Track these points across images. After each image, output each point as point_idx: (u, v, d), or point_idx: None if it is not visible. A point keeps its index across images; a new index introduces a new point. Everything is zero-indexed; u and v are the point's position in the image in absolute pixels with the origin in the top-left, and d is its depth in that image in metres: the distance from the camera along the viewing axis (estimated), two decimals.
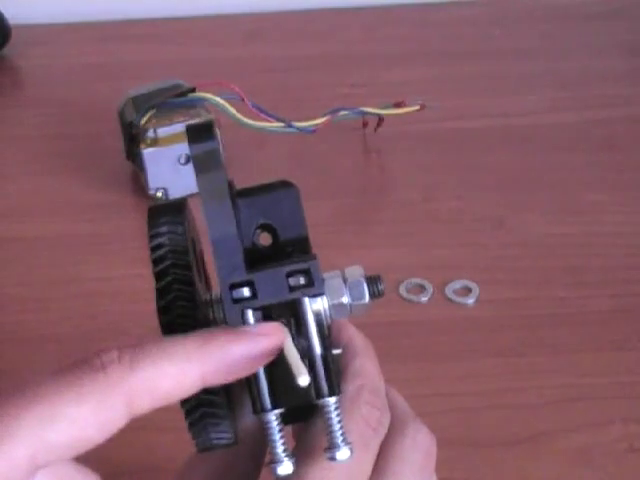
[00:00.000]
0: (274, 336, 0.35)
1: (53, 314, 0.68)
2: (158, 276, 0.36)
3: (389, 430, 0.38)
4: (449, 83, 0.92)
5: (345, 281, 0.37)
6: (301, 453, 0.36)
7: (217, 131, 0.37)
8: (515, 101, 0.90)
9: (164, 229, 0.36)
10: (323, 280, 0.36)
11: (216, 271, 0.36)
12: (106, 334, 0.66)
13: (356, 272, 0.37)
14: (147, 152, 0.76)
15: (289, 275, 0.35)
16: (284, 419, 0.36)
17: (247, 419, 0.38)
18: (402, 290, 0.68)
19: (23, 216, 0.78)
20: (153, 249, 0.36)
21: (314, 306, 0.36)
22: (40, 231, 0.76)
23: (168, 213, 0.37)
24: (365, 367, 0.38)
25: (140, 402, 0.32)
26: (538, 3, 1.07)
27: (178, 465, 0.40)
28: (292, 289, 0.35)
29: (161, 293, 0.36)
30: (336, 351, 0.38)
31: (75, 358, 0.33)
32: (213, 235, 0.35)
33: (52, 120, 0.90)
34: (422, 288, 0.68)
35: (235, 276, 0.35)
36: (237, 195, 0.38)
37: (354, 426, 0.36)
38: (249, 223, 0.38)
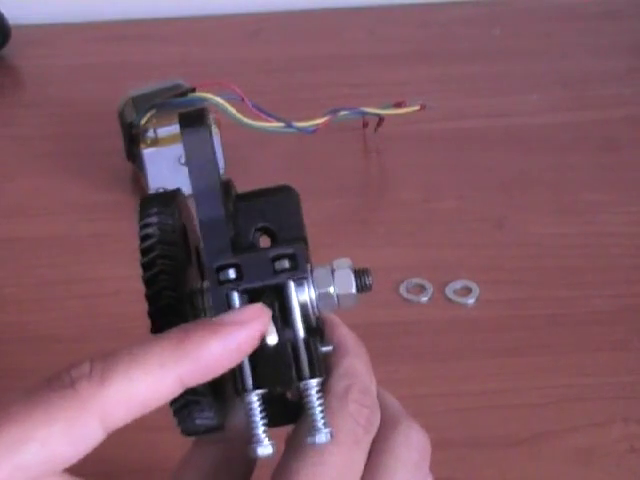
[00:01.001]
0: (253, 324, 0.34)
1: (53, 314, 0.68)
2: (144, 252, 0.37)
3: (382, 428, 0.38)
4: (449, 83, 0.92)
5: (333, 271, 0.37)
6: (292, 449, 0.36)
7: (210, 118, 0.38)
8: (515, 101, 0.90)
9: (154, 210, 0.37)
10: (309, 266, 0.37)
11: (203, 253, 0.36)
12: (106, 334, 0.66)
13: (344, 263, 0.37)
14: (147, 152, 0.76)
15: (275, 259, 0.36)
16: (275, 420, 0.36)
17: (242, 413, 0.38)
18: (402, 290, 0.68)
19: (23, 216, 0.78)
20: (142, 238, 0.37)
21: (301, 295, 0.36)
22: (40, 231, 0.76)
23: (159, 202, 0.38)
24: (354, 367, 0.38)
25: (116, 415, 0.32)
26: (538, 3, 1.07)
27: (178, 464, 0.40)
28: (277, 272, 0.36)
29: (145, 268, 0.37)
30: (327, 348, 0.38)
31: (48, 375, 0.32)
32: (201, 218, 0.37)
33: (52, 120, 0.90)
34: (422, 288, 0.68)
35: (221, 258, 0.36)
36: (238, 198, 0.39)
37: (343, 424, 0.36)
38: (248, 225, 0.39)
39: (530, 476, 0.56)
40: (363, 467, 0.36)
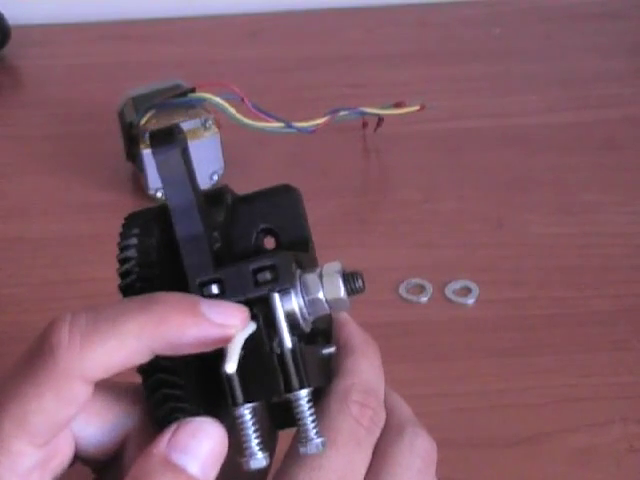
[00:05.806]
0: (232, 328, 0.35)
1: (53, 314, 0.68)
2: (122, 276, 0.38)
3: (387, 433, 0.37)
4: (449, 83, 0.92)
5: (321, 277, 0.37)
6: (291, 454, 0.36)
7: (182, 135, 0.37)
8: (515, 101, 0.90)
9: (135, 230, 0.38)
10: (293, 275, 0.36)
11: (185, 270, 0.36)
12: None
13: (332, 268, 0.37)
14: (147, 152, 0.75)
15: (257, 271, 0.36)
16: (277, 424, 0.36)
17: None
18: (402, 290, 0.68)
19: (23, 216, 0.78)
20: (121, 262, 0.38)
21: (287, 304, 0.36)
22: (40, 231, 0.76)
23: (140, 222, 0.38)
24: (358, 366, 0.38)
25: (95, 376, 0.34)
26: (538, 3, 1.07)
27: None
28: (259, 284, 0.36)
29: (124, 291, 0.38)
30: (328, 350, 0.38)
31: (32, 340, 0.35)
32: (179, 236, 0.37)
33: (52, 120, 0.90)
34: (422, 288, 0.68)
35: (203, 274, 0.36)
36: (239, 200, 0.39)
37: (344, 424, 0.36)
38: (250, 228, 0.39)
39: (530, 476, 0.56)
40: (365, 468, 0.36)
